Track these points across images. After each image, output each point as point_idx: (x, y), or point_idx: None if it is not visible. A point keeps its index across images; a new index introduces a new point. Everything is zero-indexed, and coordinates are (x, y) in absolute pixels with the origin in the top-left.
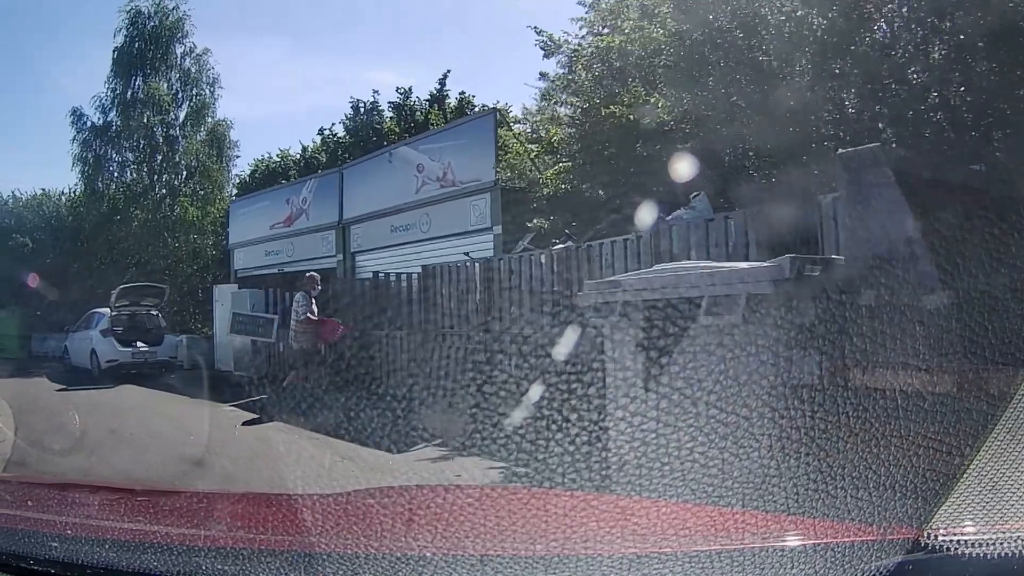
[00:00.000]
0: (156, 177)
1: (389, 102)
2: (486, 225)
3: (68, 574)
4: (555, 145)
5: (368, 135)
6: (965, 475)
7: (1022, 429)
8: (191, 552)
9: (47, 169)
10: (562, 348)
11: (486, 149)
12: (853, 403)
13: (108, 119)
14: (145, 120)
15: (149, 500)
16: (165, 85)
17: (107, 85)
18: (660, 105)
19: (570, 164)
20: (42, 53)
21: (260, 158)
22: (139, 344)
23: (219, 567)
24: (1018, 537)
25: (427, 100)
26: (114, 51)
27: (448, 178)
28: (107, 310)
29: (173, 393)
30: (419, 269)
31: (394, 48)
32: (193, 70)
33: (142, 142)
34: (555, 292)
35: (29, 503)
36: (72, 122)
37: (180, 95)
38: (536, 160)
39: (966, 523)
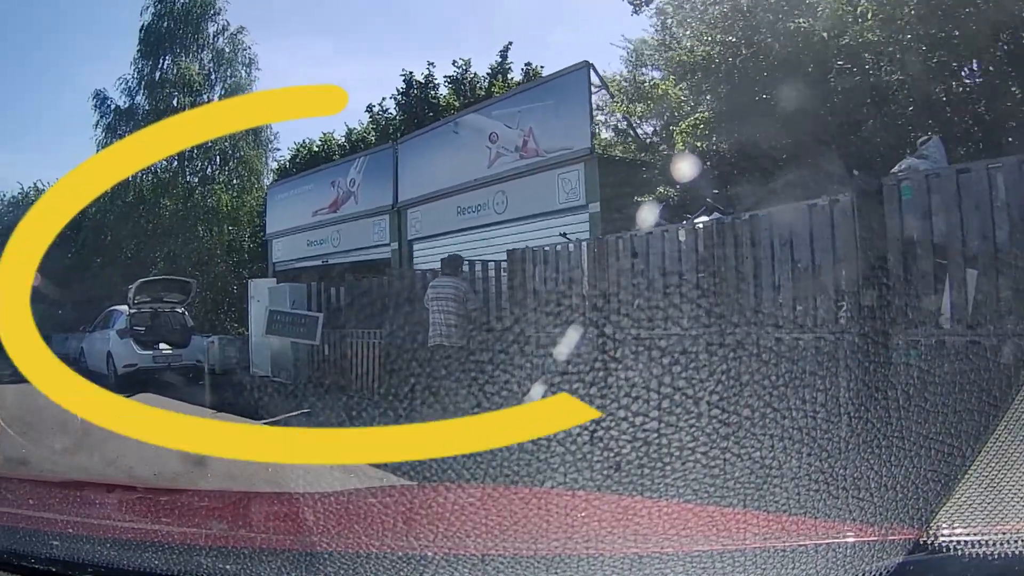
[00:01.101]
0: (187, 164)
1: (446, 76)
2: (579, 202)
3: (69, 573)
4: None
5: (423, 111)
6: (967, 475)
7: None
8: (192, 551)
9: (72, 160)
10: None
11: (578, 111)
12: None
13: (134, 102)
14: (175, 103)
15: (150, 499)
16: (196, 66)
17: (133, 66)
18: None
19: (708, 114)
20: (63, 37)
21: (301, 142)
22: (162, 346)
23: (220, 566)
24: (1020, 537)
25: (488, 74)
26: (141, 30)
27: (530, 147)
28: (125, 308)
29: (197, 405)
30: (496, 257)
31: (439, 46)
32: (227, 50)
33: None
34: (701, 279)
35: (30, 502)
36: (95, 106)
37: (213, 76)
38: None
39: (968, 523)
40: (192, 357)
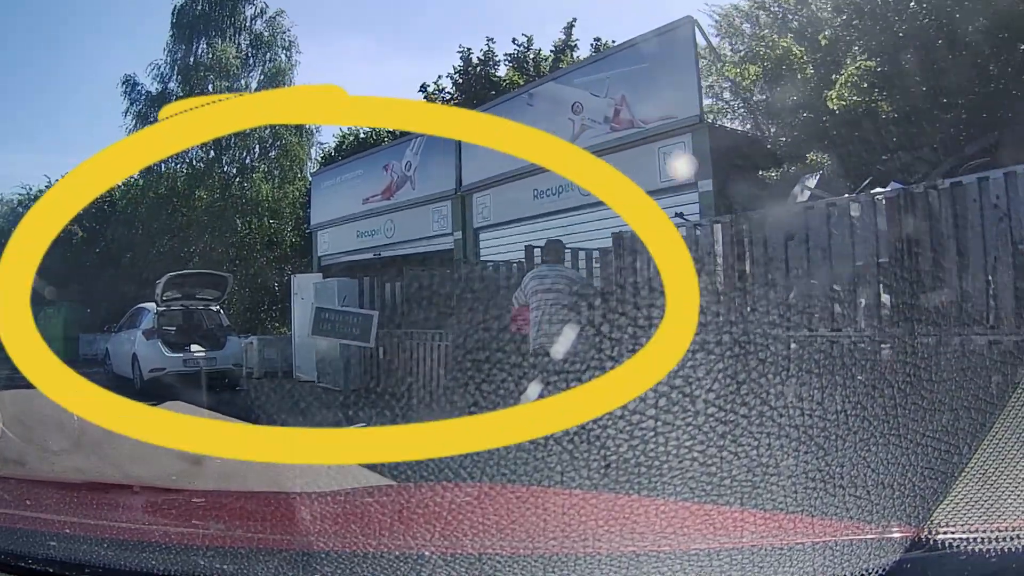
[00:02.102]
0: (223, 153)
1: (506, 54)
2: (686, 179)
3: (67, 573)
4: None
5: (483, 90)
6: (964, 472)
7: (1022, 426)
8: (189, 551)
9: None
10: None
11: (683, 73)
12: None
13: (167, 88)
14: (210, 87)
15: (147, 499)
16: (233, 49)
17: (165, 51)
18: None
19: (873, 63)
20: (91, 23)
21: (348, 130)
22: (193, 348)
23: (217, 566)
24: (1017, 535)
25: (552, 51)
26: (173, 12)
27: (623, 118)
28: (153, 305)
29: (231, 418)
30: (585, 245)
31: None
32: (266, 33)
33: None
34: (883, 264)
35: (27, 502)
36: (125, 92)
37: (251, 60)
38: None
39: (965, 521)
40: (228, 360)
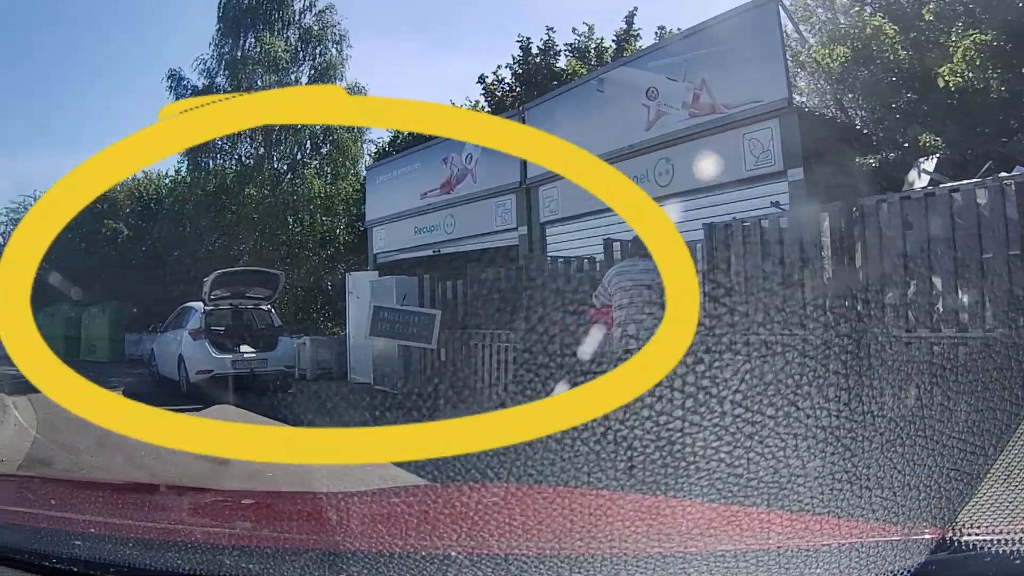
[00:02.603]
0: (274, 148)
1: (566, 44)
2: (774, 167)
3: (91, 573)
4: None
5: (544, 80)
6: (990, 474)
7: None
8: (215, 550)
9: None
10: None
11: (768, 54)
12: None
13: (214, 82)
14: (259, 82)
15: (173, 498)
16: (282, 43)
17: (212, 45)
18: None
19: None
20: (138, 18)
21: None
22: (243, 349)
23: (243, 565)
24: None
25: (614, 40)
26: (219, 6)
27: (703, 103)
28: (200, 304)
29: (283, 423)
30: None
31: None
32: (315, 27)
33: None
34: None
35: (52, 501)
36: (170, 87)
37: (301, 55)
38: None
39: (991, 522)
40: (279, 362)
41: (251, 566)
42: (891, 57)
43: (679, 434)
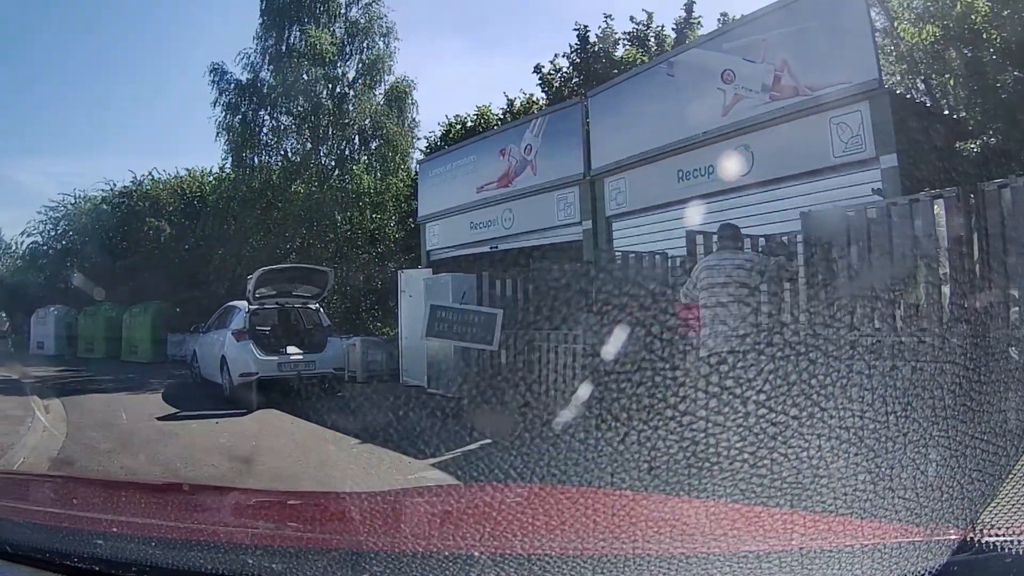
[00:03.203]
0: (321, 144)
1: (625, 33)
2: (866, 154)
3: (113, 572)
4: None
5: (603, 69)
6: (1012, 475)
7: None
8: (238, 550)
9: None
10: None
11: (856, 31)
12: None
13: (258, 76)
14: (305, 75)
15: (195, 498)
16: (328, 36)
17: (255, 39)
18: None
19: None
20: (180, 11)
21: (453, 118)
22: (290, 350)
23: (266, 565)
24: None
25: (674, 28)
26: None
27: (785, 85)
28: (245, 303)
29: (332, 431)
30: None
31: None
32: (362, 20)
33: (302, 101)
34: None
35: (75, 501)
36: (213, 82)
37: (347, 48)
38: None
39: (1013, 524)
40: (329, 364)
41: (274, 565)
42: (983, 37)
43: (703, 434)
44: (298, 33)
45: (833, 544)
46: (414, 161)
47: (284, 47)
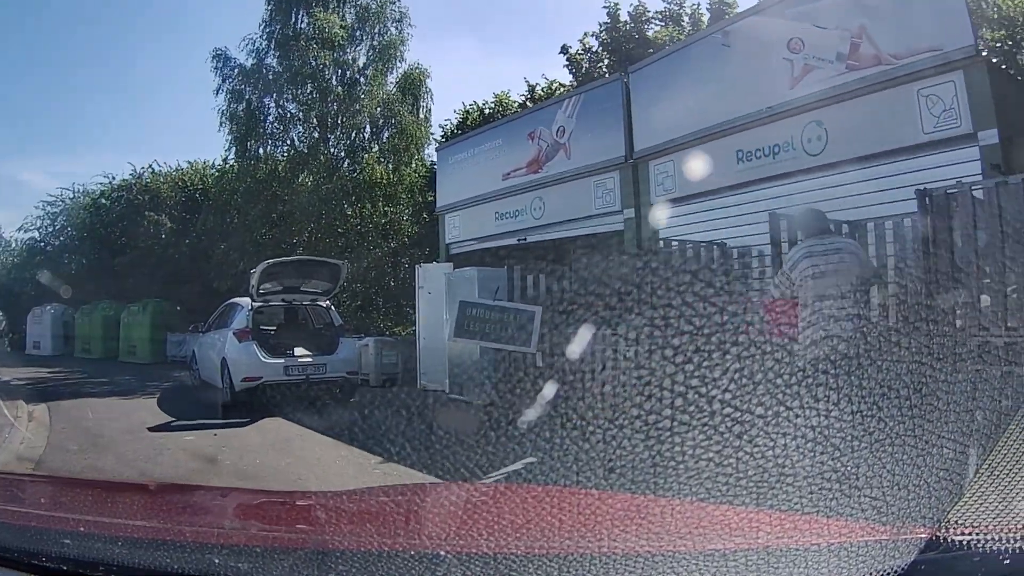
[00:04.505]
0: (330, 132)
1: (657, 12)
2: (960, 129)
3: (81, 571)
4: None
5: (636, 48)
6: (979, 474)
7: None
8: (204, 549)
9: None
10: None
11: None
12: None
13: (263, 62)
14: (312, 60)
15: (162, 497)
16: (338, 19)
17: (261, 24)
18: None
19: None
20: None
21: (470, 105)
22: (297, 352)
23: (232, 564)
24: None
25: (708, 7)
26: None
27: (864, 53)
28: (247, 300)
29: (351, 446)
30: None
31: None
32: (373, 5)
33: (310, 87)
34: None
35: (42, 500)
36: (215, 68)
37: (358, 33)
38: None
39: (980, 522)
40: (341, 368)
41: (240, 565)
42: None
43: (668, 433)
44: (306, 17)
45: (799, 543)
46: (432, 150)
47: (291, 32)
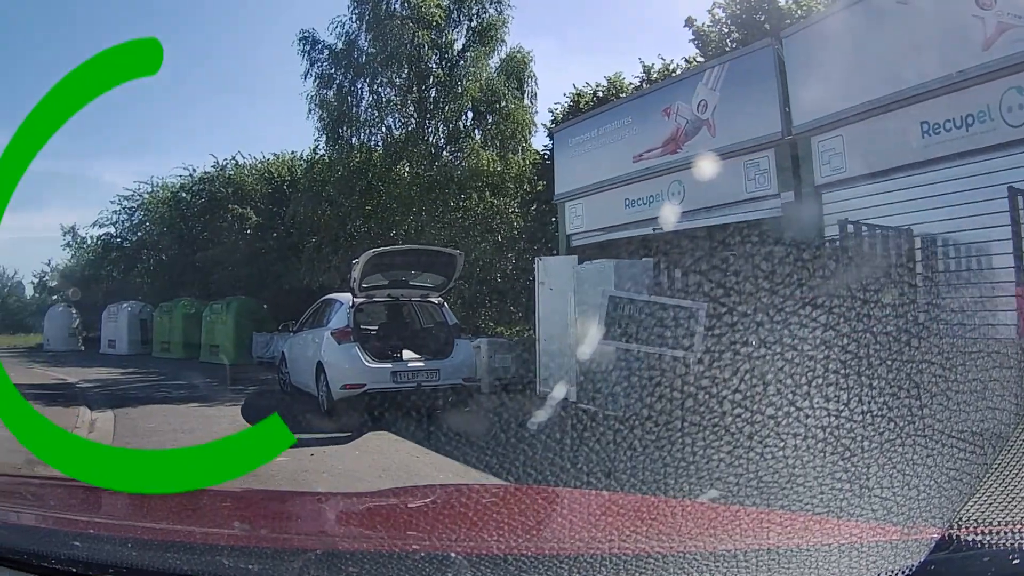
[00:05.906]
0: (429, 118)
1: None
2: None
3: (90, 573)
4: None
5: (770, 20)
6: (990, 474)
7: None
8: (214, 551)
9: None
10: None
11: None
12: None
13: (354, 44)
14: (409, 41)
15: (172, 499)
16: None
17: (350, 6)
18: None
19: None
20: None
21: (581, 88)
22: (406, 355)
23: (242, 566)
24: None
25: None
26: None
27: None
28: (348, 297)
29: (479, 470)
30: None
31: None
32: None
33: (407, 70)
34: None
35: (51, 502)
36: (303, 51)
37: (456, 15)
38: None
39: (991, 522)
40: (457, 373)
41: (250, 566)
42: None
43: (679, 434)
44: None
45: (810, 543)
46: (541, 137)
47: (384, 11)
